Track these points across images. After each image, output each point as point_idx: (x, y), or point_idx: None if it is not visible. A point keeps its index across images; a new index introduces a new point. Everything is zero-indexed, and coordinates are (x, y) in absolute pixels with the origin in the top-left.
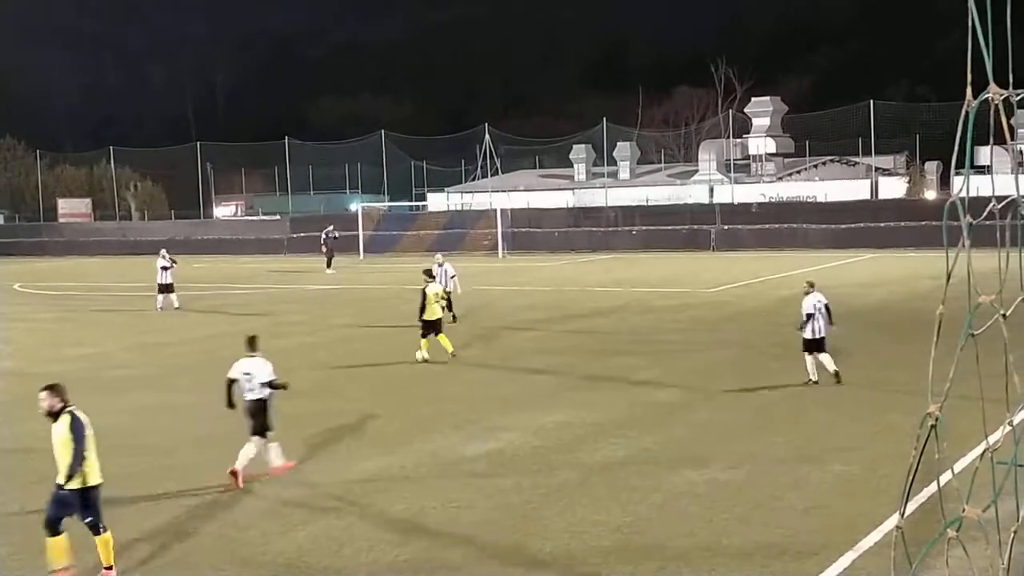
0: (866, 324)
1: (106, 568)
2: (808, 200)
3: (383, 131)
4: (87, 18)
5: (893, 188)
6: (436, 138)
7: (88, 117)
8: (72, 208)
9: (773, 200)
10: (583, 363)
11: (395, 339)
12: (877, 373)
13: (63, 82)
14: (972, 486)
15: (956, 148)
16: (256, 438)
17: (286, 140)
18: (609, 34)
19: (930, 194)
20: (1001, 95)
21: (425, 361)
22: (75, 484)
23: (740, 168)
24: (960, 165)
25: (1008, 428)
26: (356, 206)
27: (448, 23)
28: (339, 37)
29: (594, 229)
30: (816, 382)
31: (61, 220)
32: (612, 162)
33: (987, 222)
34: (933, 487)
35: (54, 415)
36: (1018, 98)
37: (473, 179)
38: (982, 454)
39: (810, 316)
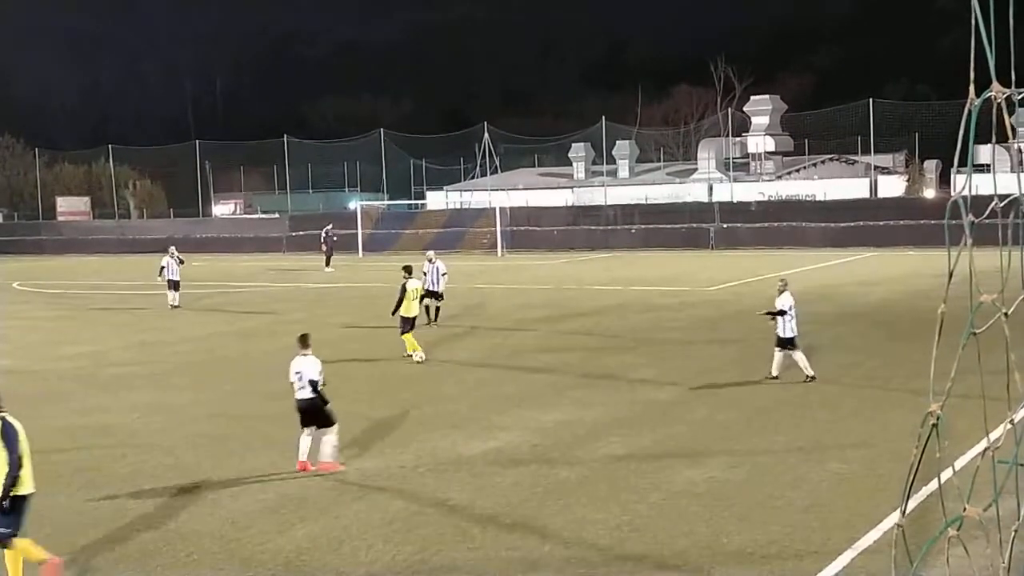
0: (866, 323)
1: None
2: (807, 199)
3: (382, 130)
4: (86, 17)
5: (892, 187)
6: (435, 137)
7: (87, 115)
8: (71, 206)
9: (772, 199)
10: (582, 362)
11: (394, 338)
12: (877, 372)
13: (62, 80)
14: (973, 485)
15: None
16: (309, 428)
17: (285, 139)
18: (608, 33)
19: (929, 193)
20: (1004, 93)
21: (423, 361)
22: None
23: (739, 167)
24: (962, 163)
25: (1009, 427)
26: (355, 204)
27: (447, 23)
28: (339, 37)
29: (593, 228)
30: (776, 378)
31: (60, 218)
32: (611, 161)
33: (988, 221)
34: (933, 486)
35: None
36: (1020, 96)
37: (472, 178)
38: (983, 453)
39: (783, 312)
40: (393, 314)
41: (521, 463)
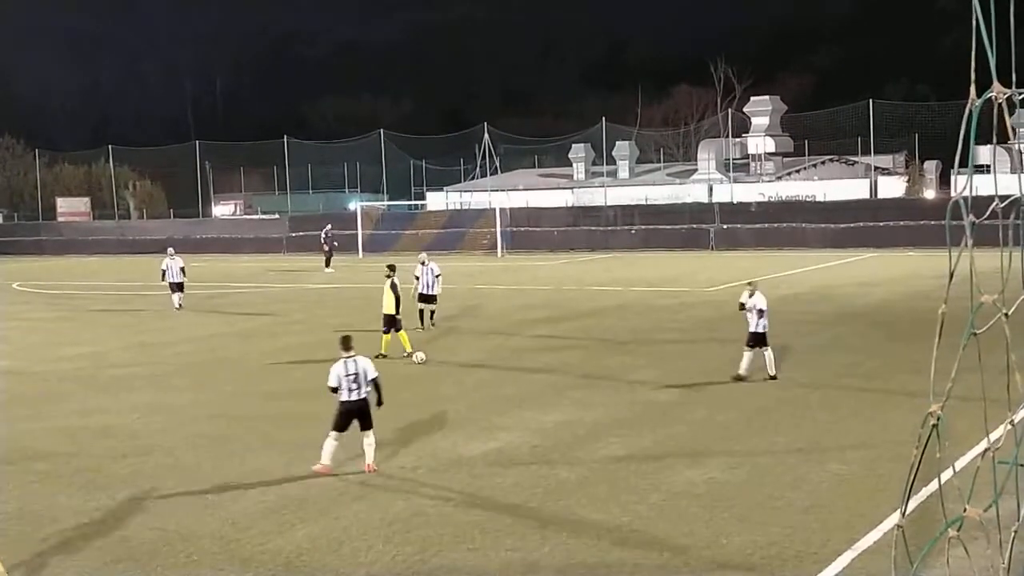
0: (866, 323)
1: None
2: (807, 199)
3: (382, 130)
4: (86, 17)
5: (892, 187)
6: (435, 137)
7: (87, 115)
8: (71, 207)
9: (772, 199)
10: (582, 362)
11: (393, 339)
12: (877, 372)
13: (62, 81)
14: (973, 485)
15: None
16: (342, 433)
17: (285, 139)
18: (608, 33)
19: (929, 193)
20: (1004, 94)
21: (424, 362)
22: None
23: (739, 167)
24: (963, 164)
25: (1009, 427)
26: (355, 205)
27: (447, 23)
28: (339, 37)
29: (593, 228)
30: (745, 378)
31: (60, 219)
32: (611, 161)
33: (989, 221)
34: (934, 486)
35: None
36: (1020, 97)
37: (472, 178)
38: (983, 453)
39: (762, 311)
40: (398, 312)
41: (521, 464)
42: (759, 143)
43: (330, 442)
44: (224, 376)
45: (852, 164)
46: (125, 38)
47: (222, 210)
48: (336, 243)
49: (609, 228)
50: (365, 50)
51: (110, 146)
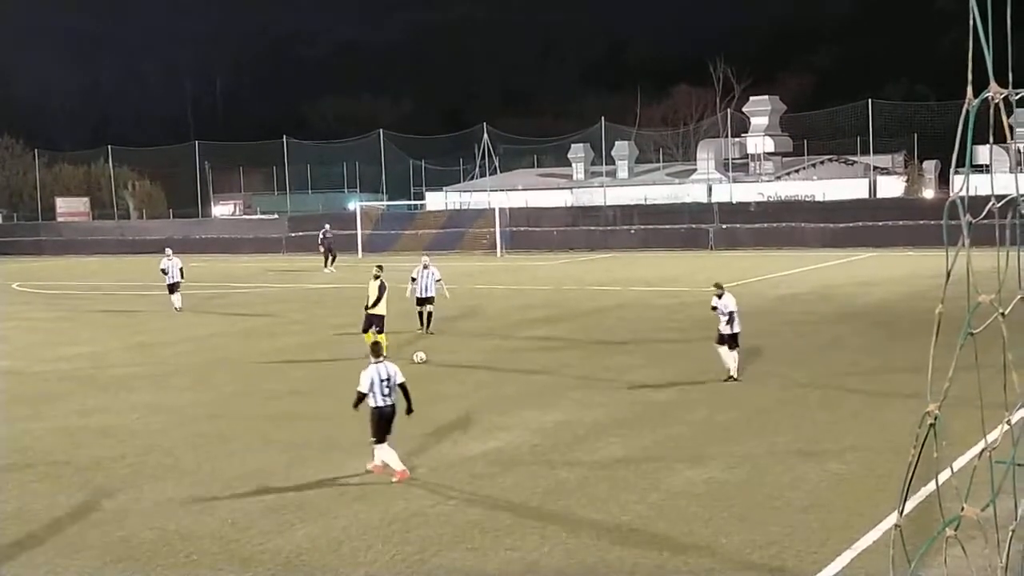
0: (865, 323)
1: None
2: (806, 199)
3: (381, 130)
4: (86, 17)
5: (891, 187)
6: (435, 137)
7: (87, 115)
8: (70, 207)
9: (771, 199)
10: (582, 362)
11: (393, 339)
12: (876, 372)
13: (62, 80)
14: (971, 485)
15: (957, 147)
16: (379, 443)
17: (284, 139)
18: (608, 33)
19: (928, 193)
20: (1001, 94)
21: (424, 362)
22: None
23: (738, 167)
24: (960, 164)
25: (1006, 427)
26: (355, 205)
27: (447, 23)
28: (339, 37)
29: (593, 228)
30: (738, 378)
31: (59, 219)
32: (611, 161)
33: (986, 221)
34: (931, 486)
35: None
36: (1017, 97)
37: (472, 178)
38: (980, 453)
39: (732, 313)
40: (373, 306)
41: (521, 464)
42: (758, 143)
43: (385, 450)
44: (224, 376)
45: (851, 164)
46: (125, 38)
47: (221, 210)
48: (332, 248)
49: (608, 228)
50: (365, 50)
51: (110, 146)
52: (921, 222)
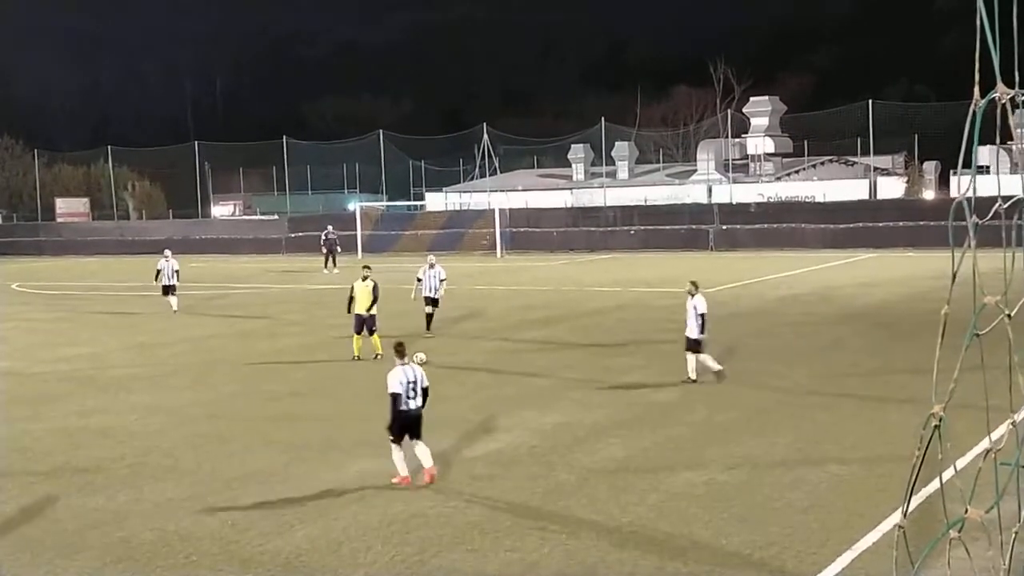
0: (866, 324)
1: None
2: (807, 200)
3: (381, 131)
4: (86, 17)
5: (892, 188)
6: (435, 138)
7: (86, 116)
8: (70, 207)
9: (772, 200)
10: (581, 363)
11: (386, 342)
12: (877, 373)
13: (62, 81)
14: (975, 486)
15: (963, 147)
16: (397, 446)
17: (284, 139)
18: (608, 33)
19: (928, 194)
20: (1008, 95)
21: (425, 363)
22: None
23: (738, 168)
24: (966, 164)
25: (1011, 428)
26: (354, 206)
27: (447, 23)
28: (339, 37)
29: (593, 229)
30: (695, 381)
31: (59, 219)
32: (611, 162)
33: (992, 222)
34: (934, 487)
35: None
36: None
37: (471, 179)
38: (985, 455)
39: (702, 315)
40: (368, 309)
41: (521, 465)
42: (758, 143)
43: (399, 452)
44: (223, 377)
45: (851, 164)
46: (125, 38)
47: (221, 211)
48: (339, 248)
49: (608, 229)
50: (365, 50)
51: (109, 146)
52: (921, 223)
